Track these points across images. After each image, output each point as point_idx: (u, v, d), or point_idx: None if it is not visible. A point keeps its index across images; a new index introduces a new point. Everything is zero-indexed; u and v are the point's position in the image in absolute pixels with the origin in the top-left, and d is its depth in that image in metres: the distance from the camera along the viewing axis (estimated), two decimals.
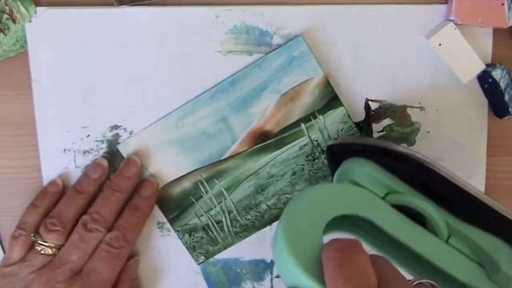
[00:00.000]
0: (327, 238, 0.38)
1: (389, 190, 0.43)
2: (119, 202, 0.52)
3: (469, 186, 0.43)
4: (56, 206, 0.51)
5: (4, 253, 0.53)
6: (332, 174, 0.49)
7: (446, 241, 0.43)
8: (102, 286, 0.50)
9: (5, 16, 0.50)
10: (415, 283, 0.34)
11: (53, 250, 0.50)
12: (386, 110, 0.55)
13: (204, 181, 0.54)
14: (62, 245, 0.50)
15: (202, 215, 0.55)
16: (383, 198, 0.43)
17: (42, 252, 0.50)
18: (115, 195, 0.51)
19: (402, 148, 0.45)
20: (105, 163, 0.53)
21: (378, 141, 0.46)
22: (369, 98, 0.55)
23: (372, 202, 0.43)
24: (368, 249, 0.45)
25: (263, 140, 0.54)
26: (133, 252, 0.55)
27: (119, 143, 0.53)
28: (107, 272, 0.50)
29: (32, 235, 0.50)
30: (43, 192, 0.52)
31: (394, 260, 0.44)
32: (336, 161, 0.47)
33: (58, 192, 0.52)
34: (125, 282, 0.53)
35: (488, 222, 0.43)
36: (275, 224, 0.56)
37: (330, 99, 0.53)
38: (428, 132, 0.56)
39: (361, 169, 0.44)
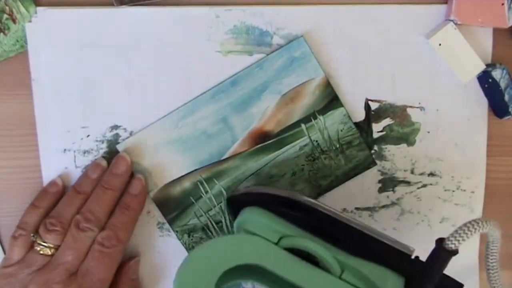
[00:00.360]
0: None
1: (282, 235, 0.45)
2: (111, 200, 0.52)
3: (354, 221, 0.45)
4: (56, 207, 0.51)
5: (4, 253, 0.53)
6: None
7: (340, 277, 0.44)
8: (98, 286, 0.49)
9: (5, 16, 0.50)
10: None
11: (52, 250, 0.50)
12: (386, 110, 0.55)
13: (204, 181, 0.54)
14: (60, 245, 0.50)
15: (201, 216, 0.55)
16: (277, 243, 0.44)
17: (41, 252, 0.50)
18: (107, 193, 0.51)
19: (288, 192, 0.46)
20: (104, 163, 0.53)
21: (268, 189, 0.47)
22: (369, 98, 0.55)
23: (266, 249, 0.44)
24: None
25: (264, 140, 0.54)
26: (133, 252, 0.55)
27: (119, 143, 0.53)
28: (102, 273, 0.50)
29: (32, 235, 0.50)
30: (43, 192, 0.52)
31: None
32: (236, 211, 0.49)
33: (58, 192, 0.52)
34: (125, 282, 0.53)
35: (374, 253, 0.44)
36: None
37: (330, 99, 0.53)
38: (428, 132, 0.56)
39: (253, 217, 0.46)
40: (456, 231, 0.41)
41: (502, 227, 0.59)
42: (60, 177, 0.53)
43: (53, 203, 0.52)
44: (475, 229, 0.41)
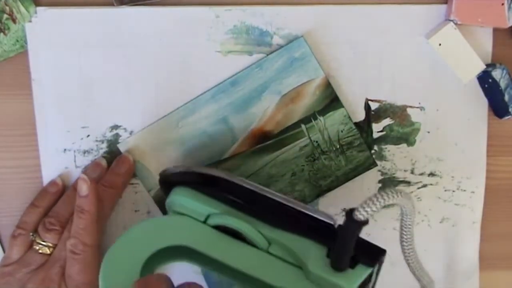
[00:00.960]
0: (161, 270, 0.43)
1: (209, 213, 0.45)
2: (111, 198, 0.52)
3: (279, 195, 0.46)
4: (55, 206, 0.51)
5: (4, 252, 0.53)
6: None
7: (267, 251, 0.45)
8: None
9: (5, 16, 0.50)
10: None
11: (51, 249, 0.50)
12: (386, 110, 0.55)
13: None
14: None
15: None
16: (204, 222, 0.45)
17: (40, 251, 0.50)
18: (107, 192, 0.51)
19: (213, 170, 0.47)
20: (104, 163, 0.53)
21: (195, 168, 0.48)
22: (369, 98, 0.55)
23: (193, 228, 0.45)
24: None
25: (264, 141, 0.54)
26: None
27: (119, 143, 0.53)
28: (82, 277, 0.49)
29: (31, 234, 0.50)
30: (43, 192, 0.52)
31: (234, 281, 0.46)
32: (166, 191, 0.49)
33: (58, 192, 0.52)
34: None
35: (297, 225, 0.45)
36: None
37: (330, 100, 0.53)
38: (428, 132, 0.56)
39: (180, 198, 0.46)
40: (364, 201, 0.41)
41: (502, 227, 0.59)
42: (60, 177, 0.53)
43: (53, 203, 0.52)
44: (384, 199, 0.41)
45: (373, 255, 0.44)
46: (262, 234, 0.44)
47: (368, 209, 0.41)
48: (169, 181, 0.48)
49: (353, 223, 0.41)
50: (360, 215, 0.41)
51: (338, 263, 0.43)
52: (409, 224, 0.47)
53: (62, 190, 0.53)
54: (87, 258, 0.49)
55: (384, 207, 0.41)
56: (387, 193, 0.41)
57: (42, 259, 0.50)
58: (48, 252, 0.50)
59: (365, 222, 0.41)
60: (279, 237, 0.45)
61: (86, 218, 0.49)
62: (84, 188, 0.49)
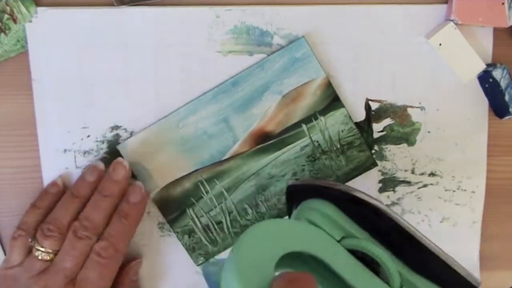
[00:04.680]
0: (277, 273, 0.38)
1: (346, 234, 0.43)
2: (110, 207, 0.51)
3: (424, 238, 0.43)
4: (52, 211, 0.51)
5: (5, 253, 0.53)
6: (289, 214, 0.50)
7: None
8: None
9: (6, 16, 0.50)
10: None
11: (51, 255, 0.49)
12: (386, 110, 0.55)
13: (204, 182, 0.54)
14: (59, 250, 0.50)
15: (202, 216, 0.55)
16: (339, 241, 0.43)
17: (40, 257, 0.49)
18: (106, 201, 0.50)
19: (363, 194, 0.45)
20: (101, 166, 0.52)
21: (341, 186, 0.46)
22: (369, 98, 0.55)
23: (327, 244, 0.43)
24: None
25: (264, 141, 0.54)
26: (134, 252, 0.54)
27: (119, 143, 0.53)
28: (100, 281, 0.49)
29: (30, 239, 0.50)
30: (44, 193, 0.52)
31: None
32: (294, 201, 0.48)
33: (59, 193, 0.52)
34: (126, 283, 0.52)
35: (437, 274, 0.43)
36: None
37: (331, 100, 0.53)
38: (429, 132, 0.56)
39: (320, 210, 0.44)
40: None
41: (502, 227, 0.59)
42: (60, 177, 0.53)
43: (54, 204, 0.51)
44: None
45: None
46: (399, 273, 0.42)
47: None
48: (300, 191, 0.47)
49: None
50: None
51: None
52: None
53: (63, 191, 0.52)
54: (111, 263, 0.49)
55: None
56: None
57: (43, 265, 0.49)
58: (48, 258, 0.49)
59: None
60: (416, 281, 0.42)
61: (128, 225, 0.50)
62: (138, 197, 0.51)
